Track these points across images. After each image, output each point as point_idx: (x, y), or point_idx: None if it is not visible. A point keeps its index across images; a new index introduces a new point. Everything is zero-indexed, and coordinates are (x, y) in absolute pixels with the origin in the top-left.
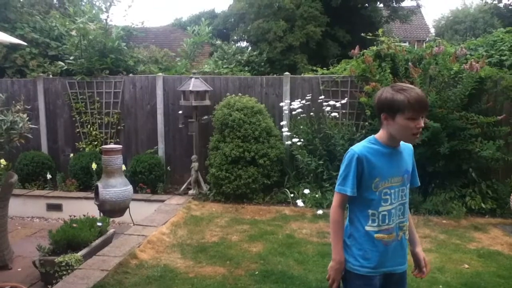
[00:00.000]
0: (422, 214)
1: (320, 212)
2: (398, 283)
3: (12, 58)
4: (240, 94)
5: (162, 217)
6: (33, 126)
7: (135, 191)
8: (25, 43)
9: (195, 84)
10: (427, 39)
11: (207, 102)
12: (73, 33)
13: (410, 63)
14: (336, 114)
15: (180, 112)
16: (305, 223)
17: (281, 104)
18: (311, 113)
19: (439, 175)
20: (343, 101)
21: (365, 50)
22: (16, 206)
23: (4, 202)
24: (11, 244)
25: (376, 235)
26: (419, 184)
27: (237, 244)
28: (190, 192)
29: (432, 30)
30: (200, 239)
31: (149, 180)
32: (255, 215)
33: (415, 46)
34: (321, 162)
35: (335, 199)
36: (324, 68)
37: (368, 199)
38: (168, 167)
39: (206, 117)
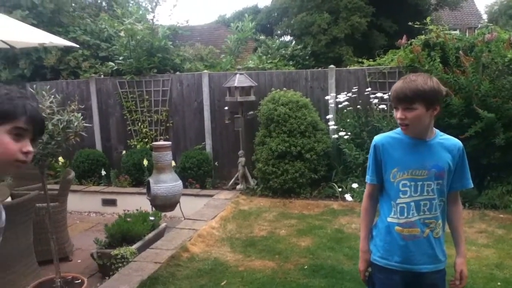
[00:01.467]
0: (477, 208)
1: None
2: (431, 286)
3: (66, 60)
4: (285, 88)
5: (211, 212)
6: (87, 124)
7: (185, 186)
8: (78, 45)
9: (240, 80)
10: (479, 26)
11: (252, 97)
12: (122, 34)
13: (460, 52)
14: (384, 106)
15: (226, 108)
16: (354, 217)
17: (326, 97)
18: (358, 106)
19: (494, 167)
20: None
21: (412, 40)
22: (74, 202)
23: (63, 198)
24: (70, 237)
25: (396, 227)
26: (471, 185)
27: (286, 239)
28: (238, 187)
29: (484, 16)
30: (249, 233)
31: (198, 175)
32: (303, 210)
33: (466, 33)
34: None
35: (366, 189)
36: (371, 60)
37: (388, 189)
38: (216, 163)
39: (251, 112)
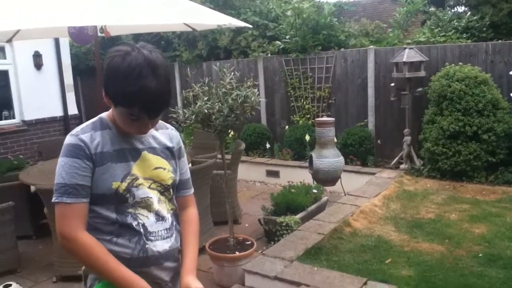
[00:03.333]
0: None
1: None
2: None
3: (237, 41)
4: (460, 63)
5: (374, 189)
6: (262, 99)
7: (346, 163)
8: (251, 26)
9: (409, 55)
10: None
11: (422, 73)
12: (288, 13)
13: None
14: None
15: (392, 84)
16: None
17: (511, 72)
18: None
19: None
20: None
21: None
22: (241, 171)
23: (235, 167)
24: (239, 203)
25: None
26: None
27: (456, 223)
28: (402, 166)
29: None
30: (415, 215)
31: (359, 152)
32: (477, 195)
33: None
34: None
35: None
36: None
37: None
38: (378, 141)
39: (420, 89)
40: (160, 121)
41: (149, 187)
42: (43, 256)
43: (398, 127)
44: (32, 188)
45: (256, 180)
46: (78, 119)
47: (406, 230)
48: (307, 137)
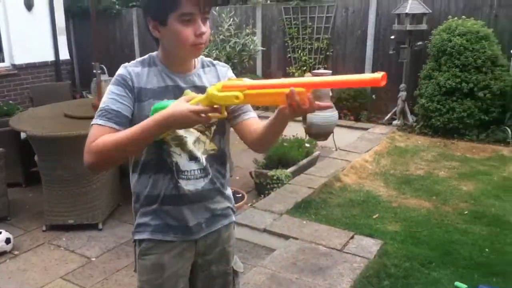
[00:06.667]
0: None
1: None
2: None
3: None
4: (463, 16)
5: (365, 145)
6: (261, 48)
7: (339, 117)
8: None
9: (412, 5)
10: None
11: (423, 26)
12: None
13: None
14: None
15: (392, 37)
16: None
17: None
18: None
19: None
20: None
21: None
22: None
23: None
24: (231, 155)
25: None
26: None
27: (445, 181)
28: (394, 122)
29: None
30: (404, 171)
31: (353, 107)
32: (467, 152)
33: None
34: None
35: None
36: None
37: None
38: (373, 96)
39: (420, 43)
40: (207, 58)
41: None
42: (33, 204)
43: (394, 82)
44: (23, 135)
45: None
46: (70, 65)
47: (395, 186)
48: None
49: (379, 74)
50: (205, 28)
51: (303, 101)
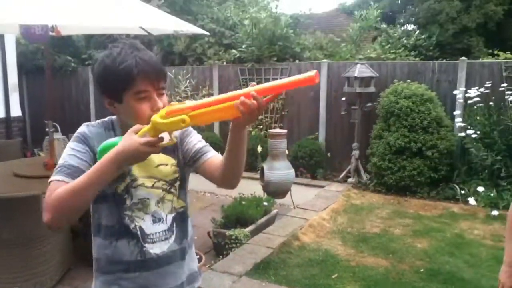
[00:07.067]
0: None
1: (495, 213)
2: None
3: (193, 47)
4: (408, 80)
5: (322, 203)
6: None
7: (296, 175)
8: (208, 33)
9: (360, 70)
10: None
11: (371, 89)
12: (246, 22)
13: None
14: None
15: (343, 99)
16: (477, 223)
17: (454, 92)
18: (490, 103)
19: None
20: None
21: None
22: (192, 181)
23: None
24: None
25: None
26: None
27: (400, 238)
28: (349, 180)
29: None
30: (361, 229)
31: (309, 165)
32: (419, 210)
33: None
34: (499, 157)
35: None
36: (508, 52)
37: None
38: (328, 154)
39: (369, 104)
40: None
41: (152, 186)
42: None
43: (347, 141)
44: None
45: (206, 191)
46: (21, 122)
47: (352, 244)
48: (259, 148)
49: (312, 73)
50: (162, 103)
51: (253, 104)
